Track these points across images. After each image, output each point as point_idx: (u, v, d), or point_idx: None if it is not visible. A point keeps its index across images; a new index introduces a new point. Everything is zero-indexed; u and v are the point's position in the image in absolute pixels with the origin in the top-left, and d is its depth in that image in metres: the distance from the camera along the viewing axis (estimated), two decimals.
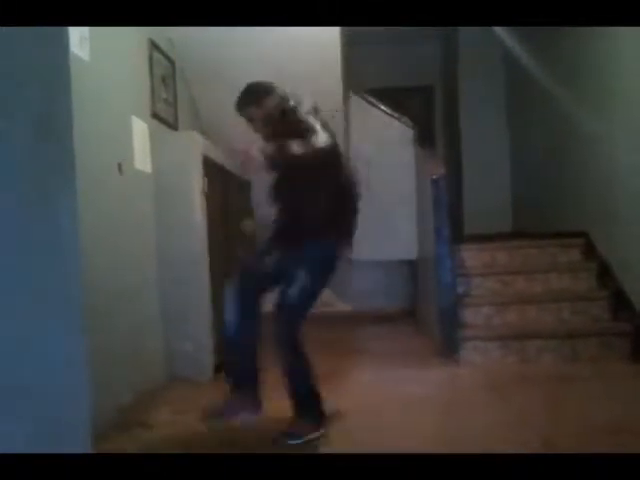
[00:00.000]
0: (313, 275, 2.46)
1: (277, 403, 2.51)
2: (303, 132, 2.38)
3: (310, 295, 2.48)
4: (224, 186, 4.06)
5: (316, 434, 2.41)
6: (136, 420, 2.73)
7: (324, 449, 2.30)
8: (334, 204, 2.51)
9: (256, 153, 2.31)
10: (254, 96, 2.58)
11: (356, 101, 5.17)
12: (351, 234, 2.64)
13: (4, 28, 1.06)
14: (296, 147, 2.31)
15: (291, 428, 2.44)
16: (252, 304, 2.52)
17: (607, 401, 2.79)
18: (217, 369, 3.54)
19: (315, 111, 2.55)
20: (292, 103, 2.56)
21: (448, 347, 3.74)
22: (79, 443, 1.27)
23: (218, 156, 3.91)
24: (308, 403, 2.48)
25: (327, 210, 2.49)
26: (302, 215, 2.50)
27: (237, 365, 2.55)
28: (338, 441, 2.39)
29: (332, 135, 2.47)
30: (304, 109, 2.54)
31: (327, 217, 2.49)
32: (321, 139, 2.36)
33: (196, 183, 3.50)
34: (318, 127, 2.41)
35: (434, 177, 3.88)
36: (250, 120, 2.59)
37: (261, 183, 4.83)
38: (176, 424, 2.70)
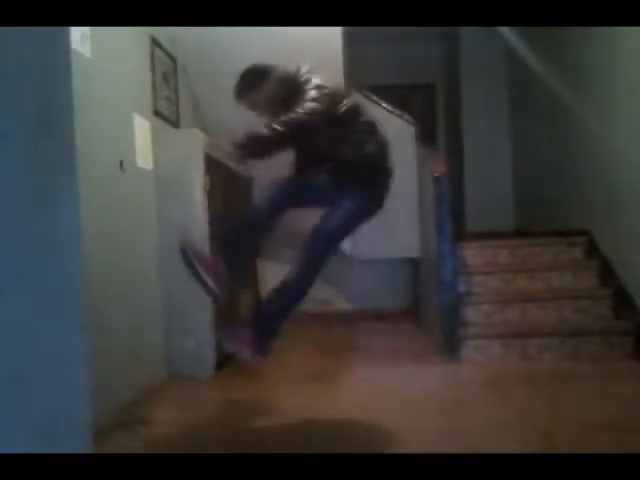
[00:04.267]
0: (353, 209, 2.49)
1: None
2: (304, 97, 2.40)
3: (349, 226, 2.51)
4: (226, 183, 4.05)
5: (246, 353, 2.39)
6: (137, 418, 2.73)
7: (325, 449, 2.30)
8: (371, 148, 2.54)
9: (230, 142, 2.38)
10: (251, 83, 2.56)
11: (358, 99, 5.15)
12: (388, 179, 2.67)
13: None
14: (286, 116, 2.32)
15: (238, 331, 2.44)
16: (278, 211, 2.55)
17: (608, 399, 2.79)
18: (218, 366, 3.54)
19: (312, 72, 2.54)
20: (290, 76, 2.55)
21: (449, 345, 3.73)
22: (79, 442, 1.27)
23: (220, 153, 3.91)
24: (268, 322, 2.46)
25: (368, 151, 2.52)
26: (348, 160, 2.52)
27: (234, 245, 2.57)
28: (339, 440, 2.39)
29: (330, 91, 2.46)
30: (303, 78, 2.52)
31: (371, 157, 2.54)
32: (308, 105, 2.37)
33: (198, 180, 3.50)
34: (312, 92, 2.41)
35: (436, 175, 3.88)
36: (252, 107, 2.57)
37: (263, 181, 4.82)
38: (177, 421, 2.71)
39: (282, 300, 2.47)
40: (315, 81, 2.47)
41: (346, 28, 4.33)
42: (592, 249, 4.25)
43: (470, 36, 6.33)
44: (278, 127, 2.29)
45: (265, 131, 2.31)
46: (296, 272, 2.45)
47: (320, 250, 2.48)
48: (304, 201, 2.63)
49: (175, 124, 3.94)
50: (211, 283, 2.41)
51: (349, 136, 2.52)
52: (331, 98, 2.45)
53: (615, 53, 3.84)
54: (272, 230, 2.58)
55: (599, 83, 4.13)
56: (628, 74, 3.70)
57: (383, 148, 2.63)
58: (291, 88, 2.50)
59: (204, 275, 2.40)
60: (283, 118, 2.31)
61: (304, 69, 2.56)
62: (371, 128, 2.61)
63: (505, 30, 5.49)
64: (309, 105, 2.36)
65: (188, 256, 2.40)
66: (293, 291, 2.46)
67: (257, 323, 2.46)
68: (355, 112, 2.59)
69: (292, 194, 2.58)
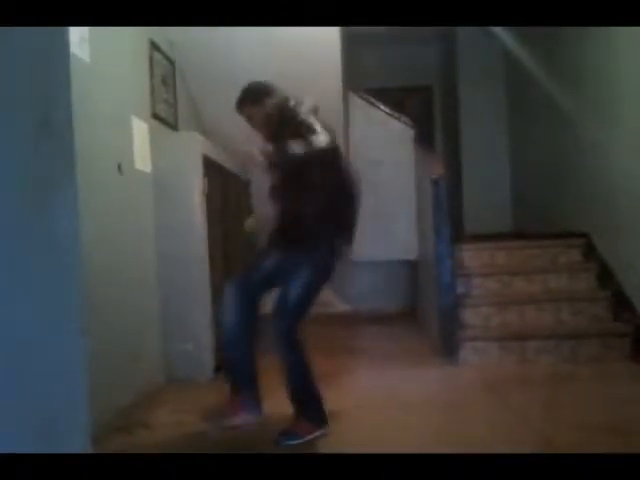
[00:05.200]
0: (310, 277, 2.46)
1: (279, 402, 2.51)
2: (303, 132, 2.39)
3: (307, 297, 2.47)
4: (224, 186, 4.06)
5: (315, 434, 2.41)
6: (136, 421, 2.73)
7: (324, 449, 2.30)
8: (333, 204, 2.51)
9: (258, 154, 2.37)
10: (255, 95, 2.59)
11: (356, 101, 5.17)
12: (352, 235, 2.63)
13: (3, 28, 1.06)
14: (296, 148, 2.33)
15: (290, 428, 2.43)
16: (250, 305, 2.50)
17: (606, 401, 2.79)
18: (217, 369, 3.54)
19: (315, 111, 2.56)
20: (292, 103, 2.57)
21: (447, 347, 3.73)
22: (78, 444, 1.27)
23: (218, 156, 3.91)
24: (307, 402, 2.48)
25: (326, 211, 2.49)
26: (301, 216, 2.49)
27: (236, 366, 2.52)
28: (337, 441, 2.39)
29: (332, 135, 2.46)
30: (304, 109, 2.54)
31: (326, 218, 2.49)
32: (320, 139, 2.37)
33: (196, 183, 3.51)
34: (318, 127, 2.41)
35: (434, 177, 3.88)
36: (250, 119, 2.61)
37: (261, 183, 4.84)
38: (176, 425, 2.70)
39: (302, 380, 2.47)
40: (318, 121, 2.47)
41: (344, 30, 4.34)
42: (590, 251, 4.25)
43: (467, 37, 6.34)
44: (272, 154, 2.33)
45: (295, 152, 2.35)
46: (285, 363, 2.44)
47: (289, 331, 2.44)
48: (268, 287, 2.58)
49: (174, 127, 3.94)
50: (245, 419, 2.43)
51: (334, 186, 2.52)
52: (333, 144, 2.47)
53: (613, 54, 3.85)
54: (255, 326, 2.56)
55: (597, 84, 4.14)
56: (626, 76, 3.70)
57: (356, 208, 2.62)
58: (288, 116, 2.52)
59: (237, 421, 2.43)
60: (284, 149, 2.34)
61: (307, 104, 2.57)
62: (352, 183, 2.62)
63: (502, 31, 5.51)
64: (323, 142, 2.37)
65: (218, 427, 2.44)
66: (297, 373, 2.46)
67: (302, 414, 2.47)
68: (345, 167, 2.61)
69: (252, 291, 2.53)
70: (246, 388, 2.47)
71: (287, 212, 2.57)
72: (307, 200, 2.48)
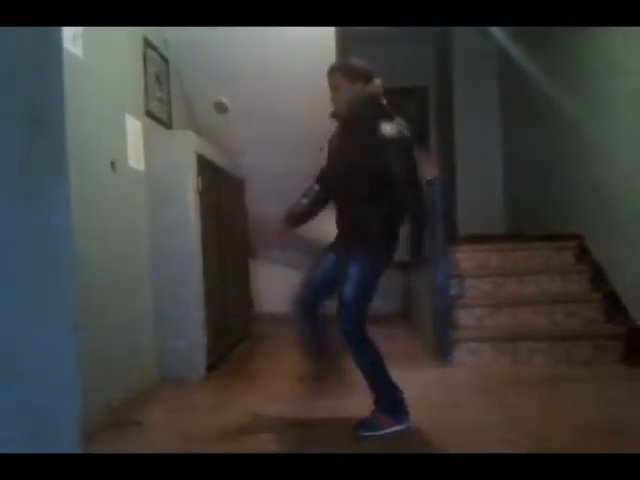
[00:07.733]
0: (361, 276, 2.50)
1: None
2: (379, 141, 2.41)
3: (361, 297, 2.51)
4: (218, 184, 4.05)
5: (395, 428, 2.43)
6: (128, 419, 2.71)
7: (323, 449, 2.29)
8: (392, 213, 2.58)
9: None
10: (352, 72, 2.55)
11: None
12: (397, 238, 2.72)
13: None
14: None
15: (369, 418, 2.47)
16: (315, 312, 2.60)
17: (599, 403, 2.80)
18: (210, 368, 3.53)
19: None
20: (380, 102, 2.57)
21: (441, 348, 3.74)
22: (70, 443, 1.26)
23: (212, 155, 3.90)
24: (385, 395, 2.52)
25: (386, 218, 2.56)
26: (363, 221, 2.53)
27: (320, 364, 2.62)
28: (333, 442, 2.39)
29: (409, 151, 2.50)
30: (388, 112, 2.57)
31: (386, 224, 2.58)
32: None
33: (190, 181, 3.49)
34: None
35: (428, 178, 3.89)
36: (334, 89, 2.54)
37: (255, 183, 4.83)
38: (169, 423, 2.69)
39: (377, 377, 2.56)
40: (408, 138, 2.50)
41: (339, 30, 4.34)
42: (583, 253, 4.27)
43: (462, 39, 6.35)
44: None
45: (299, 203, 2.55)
46: (357, 364, 2.53)
47: (351, 333, 2.50)
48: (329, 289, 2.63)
49: (167, 125, 3.92)
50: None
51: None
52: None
53: (611, 55, 3.85)
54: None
55: (591, 86, 4.15)
56: (620, 78, 3.71)
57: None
58: (369, 112, 2.52)
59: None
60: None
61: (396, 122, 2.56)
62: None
63: (497, 32, 5.52)
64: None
65: None
66: (371, 372, 2.55)
67: (382, 406, 2.51)
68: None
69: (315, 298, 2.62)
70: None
71: (348, 217, 2.60)
72: (370, 211, 2.53)
